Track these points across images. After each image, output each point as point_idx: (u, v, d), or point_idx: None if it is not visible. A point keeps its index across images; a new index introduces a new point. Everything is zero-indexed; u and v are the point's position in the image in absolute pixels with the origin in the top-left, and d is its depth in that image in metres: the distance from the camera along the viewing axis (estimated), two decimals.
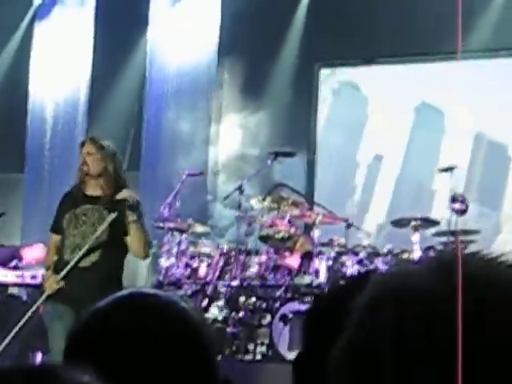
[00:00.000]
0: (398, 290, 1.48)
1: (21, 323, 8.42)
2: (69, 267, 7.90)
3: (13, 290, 11.96)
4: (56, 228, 8.30)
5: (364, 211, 13.04)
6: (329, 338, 1.85)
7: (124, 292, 2.26)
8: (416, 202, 10.93)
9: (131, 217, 7.99)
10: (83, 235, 8.04)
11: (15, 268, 12.03)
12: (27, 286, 11.93)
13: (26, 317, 8.31)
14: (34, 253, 12.12)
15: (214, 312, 10.32)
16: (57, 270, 8.09)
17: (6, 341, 8.84)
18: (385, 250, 10.87)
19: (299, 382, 2.33)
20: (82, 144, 8.38)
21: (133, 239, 8.05)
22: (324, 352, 1.88)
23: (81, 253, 7.92)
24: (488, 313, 1.36)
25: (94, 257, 8.05)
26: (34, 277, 11.80)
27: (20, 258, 12.10)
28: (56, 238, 8.32)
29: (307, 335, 2.42)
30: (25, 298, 11.93)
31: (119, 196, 7.98)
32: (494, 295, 1.38)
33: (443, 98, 12.75)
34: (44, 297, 8.20)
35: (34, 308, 8.62)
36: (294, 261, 10.66)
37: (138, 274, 12.04)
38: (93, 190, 8.13)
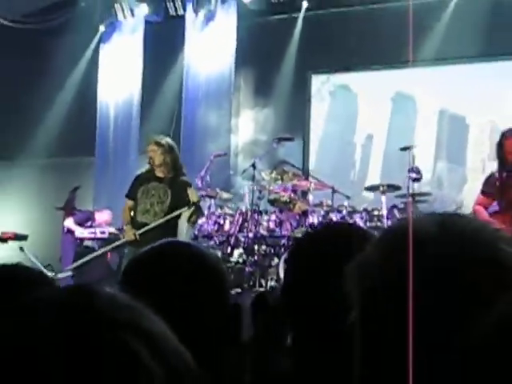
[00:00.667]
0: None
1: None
2: (148, 227, 8.88)
3: (87, 243, 12.03)
4: (131, 196, 9.22)
5: (363, 179, 12.96)
6: (305, 270, 2.19)
7: (166, 241, 2.31)
8: (400, 170, 10.80)
9: (194, 215, 9.15)
10: (151, 203, 9.00)
11: (89, 227, 12.14)
12: (98, 239, 12.01)
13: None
14: (103, 216, 12.24)
15: (236, 256, 10.53)
16: (133, 225, 8.98)
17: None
18: (361, 209, 10.87)
19: (286, 304, 2.27)
20: (148, 143, 9.36)
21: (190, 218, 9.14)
22: (301, 281, 2.20)
23: (162, 220, 8.91)
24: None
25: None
26: (102, 232, 11.94)
27: (93, 220, 12.19)
28: (130, 202, 9.22)
29: (289, 267, 2.41)
30: (96, 247, 12.00)
31: (192, 198, 8.91)
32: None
33: (411, 88, 12.82)
34: (123, 241, 9.54)
35: (112, 246, 10.28)
36: (293, 217, 10.75)
37: (180, 229, 12.15)
38: (159, 173, 8.98)
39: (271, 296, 6.33)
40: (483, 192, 7.96)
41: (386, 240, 1.49)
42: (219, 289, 2.21)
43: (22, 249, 8.74)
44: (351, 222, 10.49)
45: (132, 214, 9.22)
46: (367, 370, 1.44)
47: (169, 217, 8.67)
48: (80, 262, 10.54)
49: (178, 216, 9.11)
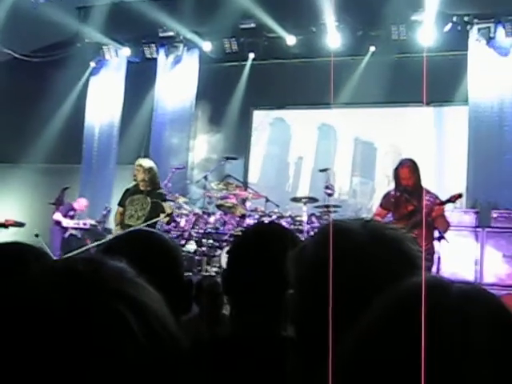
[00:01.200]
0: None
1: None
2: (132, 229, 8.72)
3: (72, 231, 12.09)
4: (121, 204, 9.41)
5: (295, 191, 13.00)
6: (242, 259, 2.27)
7: (136, 229, 2.40)
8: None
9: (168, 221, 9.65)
10: (135, 209, 9.18)
11: (72, 217, 12.21)
12: (80, 229, 12.09)
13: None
14: (80, 203, 12.37)
15: (188, 247, 10.58)
16: (121, 227, 9.14)
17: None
18: (287, 215, 10.87)
19: (225, 288, 2.31)
20: (136, 164, 9.46)
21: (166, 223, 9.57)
22: (239, 267, 2.26)
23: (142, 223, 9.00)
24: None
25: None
26: (84, 223, 12.00)
27: (73, 209, 12.29)
28: (121, 209, 9.40)
29: (230, 257, 2.42)
30: (79, 235, 12.08)
31: (167, 210, 9.17)
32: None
33: (333, 121, 13.04)
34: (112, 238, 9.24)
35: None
36: (234, 219, 10.77)
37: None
38: (141, 187, 9.22)
39: (211, 280, 6.47)
40: (381, 205, 8.00)
41: (319, 237, 1.57)
42: (176, 264, 2.21)
43: (37, 235, 8.71)
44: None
45: (122, 218, 9.39)
46: (299, 335, 1.54)
47: (150, 222, 8.75)
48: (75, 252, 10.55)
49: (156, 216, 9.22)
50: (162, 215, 9.08)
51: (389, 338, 0.93)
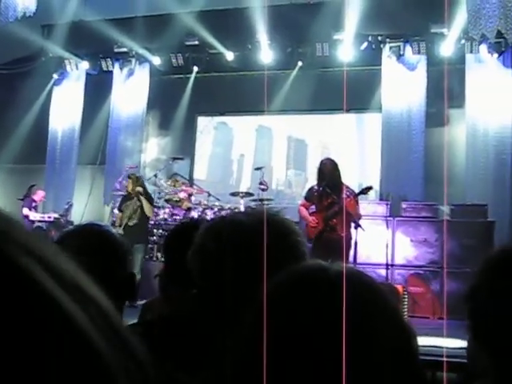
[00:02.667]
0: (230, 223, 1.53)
1: None
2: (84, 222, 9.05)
3: (38, 224, 12.01)
4: (120, 209, 9.77)
5: (238, 186, 13.00)
6: (179, 249, 2.20)
7: (87, 223, 2.24)
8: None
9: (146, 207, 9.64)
10: (129, 211, 9.57)
11: (35, 208, 12.11)
12: (46, 221, 12.02)
13: None
14: (38, 195, 12.22)
15: None
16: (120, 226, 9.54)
17: None
18: (227, 207, 10.97)
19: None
20: (136, 179, 9.84)
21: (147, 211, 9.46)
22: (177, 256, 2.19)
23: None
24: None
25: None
26: (49, 217, 11.93)
27: (34, 201, 12.16)
28: (120, 214, 9.83)
29: (167, 246, 2.49)
30: (45, 227, 12.01)
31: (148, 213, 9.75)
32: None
33: (269, 123, 13.24)
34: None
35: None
36: (181, 211, 10.91)
37: (104, 218, 12.22)
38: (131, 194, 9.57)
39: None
40: (305, 198, 8.02)
41: (211, 231, 1.57)
42: (120, 260, 2.11)
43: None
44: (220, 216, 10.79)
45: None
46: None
47: None
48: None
49: (147, 218, 9.84)
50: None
51: (278, 316, 0.91)
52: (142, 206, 9.59)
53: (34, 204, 12.09)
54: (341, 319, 0.84)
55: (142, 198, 9.63)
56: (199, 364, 1.51)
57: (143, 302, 3.21)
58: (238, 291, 1.40)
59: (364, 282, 0.96)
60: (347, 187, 7.74)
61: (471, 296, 1.35)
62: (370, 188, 7.83)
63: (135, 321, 2.38)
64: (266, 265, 1.22)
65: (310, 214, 7.89)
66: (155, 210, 10.77)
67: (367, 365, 0.87)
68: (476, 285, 1.35)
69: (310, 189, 8.07)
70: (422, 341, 3.67)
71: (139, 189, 9.67)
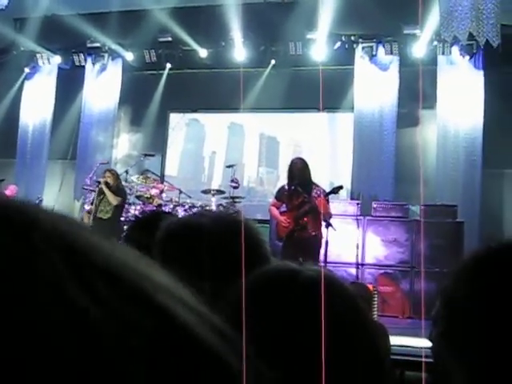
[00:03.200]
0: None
1: None
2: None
3: None
4: (92, 203, 9.83)
5: (210, 182, 12.91)
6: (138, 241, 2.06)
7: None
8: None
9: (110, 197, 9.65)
10: (103, 205, 9.70)
11: None
12: None
13: None
14: (10, 190, 11.95)
15: None
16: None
17: None
18: (198, 204, 10.80)
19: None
20: (105, 171, 9.94)
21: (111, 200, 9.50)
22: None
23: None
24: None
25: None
26: None
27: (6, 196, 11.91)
28: (92, 206, 9.87)
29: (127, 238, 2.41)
30: None
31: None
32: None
33: (241, 120, 13.06)
34: None
35: None
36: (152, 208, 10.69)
37: (74, 214, 12.01)
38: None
39: None
40: (276, 197, 7.96)
41: (166, 233, 1.56)
42: None
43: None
44: (190, 213, 10.67)
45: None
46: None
47: None
48: None
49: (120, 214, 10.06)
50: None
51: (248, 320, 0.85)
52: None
53: None
54: (312, 323, 0.84)
55: (104, 187, 9.62)
56: None
57: None
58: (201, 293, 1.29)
59: (335, 285, 0.95)
60: (318, 186, 7.69)
61: (446, 299, 1.28)
62: (340, 187, 7.76)
63: None
64: (225, 270, 1.22)
65: (281, 214, 7.83)
66: (126, 206, 10.59)
67: (339, 366, 0.86)
68: (452, 287, 1.29)
69: (281, 188, 8.02)
70: (392, 340, 3.61)
71: (101, 179, 9.73)
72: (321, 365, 0.81)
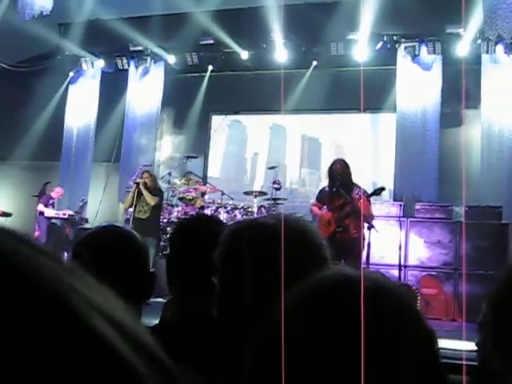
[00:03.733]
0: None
1: None
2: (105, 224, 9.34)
3: (54, 221, 12.03)
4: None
5: (252, 184, 13.01)
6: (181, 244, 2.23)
7: (107, 224, 2.19)
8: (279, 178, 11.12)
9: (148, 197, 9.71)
10: (141, 205, 9.80)
11: (53, 205, 12.11)
12: (61, 218, 12.02)
13: None
14: (57, 192, 12.23)
15: None
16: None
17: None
18: (240, 206, 10.91)
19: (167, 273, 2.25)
20: (143, 172, 10.09)
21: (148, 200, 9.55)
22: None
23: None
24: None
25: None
26: (64, 214, 11.93)
27: (52, 197, 12.15)
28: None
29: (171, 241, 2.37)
30: (59, 224, 12.01)
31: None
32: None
33: (283, 121, 13.11)
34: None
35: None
36: (194, 210, 10.70)
37: (118, 216, 12.20)
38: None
39: None
40: (317, 199, 7.97)
41: (238, 231, 1.57)
42: (142, 261, 2.12)
43: None
44: (232, 215, 10.75)
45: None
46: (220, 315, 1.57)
47: None
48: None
49: (159, 213, 10.17)
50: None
51: (300, 327, 0.87)
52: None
53: (51, 201, 12.09)
54: (363, 333, 0.81)
55: (142, 188, 9.73)
56: (216, 370, 1.48)
57: (156, 299, 3.16)
58: (257, 297, 1.37)
59: (390, 289, 0.93)
60: (359, 188, 7.66)
61: (494, 302, 1.29)
62: (382, 189, 7.71)
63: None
64: (287, 270, 1.20)
65: (324, 214, 7.84)
66: (169, 208, 10.72)
67: (393, 371, 0.84)
68: (500, 290, 1.30)
69: (322, 190, 8.02)
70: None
71: (139, 180, 9.86)
72: (375, 372, 0.81)
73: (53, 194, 12.19)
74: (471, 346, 1.53)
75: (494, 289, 1.33)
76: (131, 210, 10.34)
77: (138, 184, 9.83)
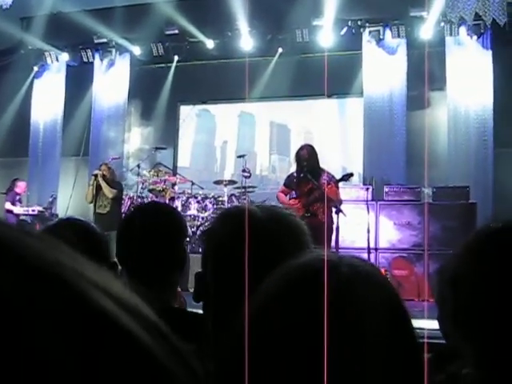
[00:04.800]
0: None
1: None
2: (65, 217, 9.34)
3: (22, 218, 11.96)
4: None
5: (222, 173, 13.08)
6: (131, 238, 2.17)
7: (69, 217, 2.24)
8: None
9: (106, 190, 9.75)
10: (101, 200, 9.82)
11: (20, 201, 12.02)
12: (30, 215, 11.97)
13: None
14: (20, 187, 12.07)
15: None
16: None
17: None
18: (211, 195, 10.99)
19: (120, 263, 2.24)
20: (101, 165, 10.05)
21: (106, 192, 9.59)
22: None
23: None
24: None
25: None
26: (33, 210, 11.86)
27: (17, 193, 12.03)
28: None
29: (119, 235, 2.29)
30: (29, 221, 11.96)
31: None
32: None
33: (251, 109, 13.18)
34: None
35: None
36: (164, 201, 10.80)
37: (89, 210, 12.18)
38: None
39: None
40: (285, 185, 7.98)
41: (225, 217, 1.58)
42: (103, 252, 2.15)
43: None
44: (203, 205, 10.82)
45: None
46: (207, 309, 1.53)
47: None
48: None
49: (119, 206, 10.20)
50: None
51: (281, 311, 0.87)
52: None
53: (17, 197, 11.99)
54: (350, 313, 0.84)
55: (100, 180, 9.76)
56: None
57: None
58: (227, 280, 1.40)
59: (373, 274, 0.93)
60: (328, 173, 7.70)
61: (453, 280, 1.30)
62: (351, 175, 7.78)
63: None
64: (273, 252, 1.27)
65: (291, 199, 7.88)
66: (139, 200, 10.73)
67: (379, 357, 0.84)
68: (457, 269, 1.31)
69: (290, 175, 8.04)
70: None
71: (97, 172, 9.90)
72: (360, 355, 0.82)
73: (17, 190, 12.07)
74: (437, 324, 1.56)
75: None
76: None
77: (95, 176, 9.81)
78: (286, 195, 7.95)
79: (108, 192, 9.69)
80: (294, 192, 7.93)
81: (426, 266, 9.38)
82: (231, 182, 11.03)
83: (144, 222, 2.17)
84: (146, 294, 1.52)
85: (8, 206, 11.80)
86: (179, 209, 10.15)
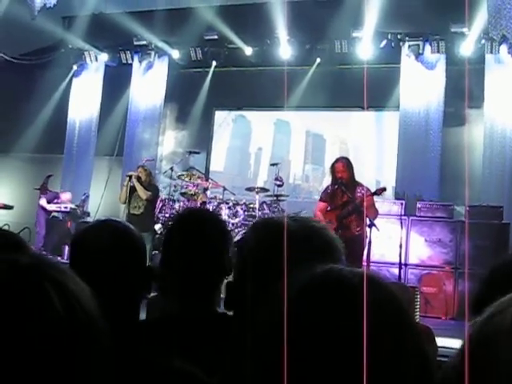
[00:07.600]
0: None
1: None
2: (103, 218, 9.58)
3: (54, 214, 12.11)
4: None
5: (255, 179, 13.12)
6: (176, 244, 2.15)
7: (105, 219, 2.15)
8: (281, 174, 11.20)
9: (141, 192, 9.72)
10: (136, 201, 9.80)
11: (55, 203, 12.17)
12: (62, 211, 12.10)
13: None
14: (66, 196, 12.26)
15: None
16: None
17: None
18: (242, 202, 10.98)
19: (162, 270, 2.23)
20: (138, 167, 10.07)
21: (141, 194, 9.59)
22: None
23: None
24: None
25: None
26: (65, 207, 11.99)
27: (59, 198, 12.22)
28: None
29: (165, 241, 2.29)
30: (61, 217, 12.08)
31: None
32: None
33: (287, 117, 13.21)
34: None
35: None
36: (196, 205, 10.73)
37: (120, 210, 12.27)
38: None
39: None
40: (321, 199, 7.88)
41: (258, 229, 1.59)
42: (139, 256, 2.10)
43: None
44: (234, 211, 10.83)
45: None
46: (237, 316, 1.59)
47: None
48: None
49: (153, 208, 10.17)
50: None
51: (301, 314, 0.89)
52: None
53: (56, 200, 12.14)
54: (356, 327, 0.84)
55: (135, 181, 9.77)
56: (217, 363, 1.50)
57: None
58: (259, 290, 1.39)
59: (380, 288, 0.94)
60: (362, 186, 7.67)
61: (475, 307, 1.30)
62: (383, 189, 7.72)
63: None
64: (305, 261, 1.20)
65: (325, 213, 7.75)
66: (170, 203, 10.80)
67: (384, 371, 0.86)
68: (480, 295, 1.32)
69: (325, 189, 7.96)
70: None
71: (132, 173, 9.91)
72: (364, 369, 0.82)
73: (62, 196, 12.23)
74: None
75: (475, 294, 1.36)
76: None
77: (130, 177, 9.84)
78: (324, 212, 7.76)
79: (143, 194, 9.72)
80: (328, 205, 7.82)
81: (456, 285, 9.32)
82: (263, 190, 11.01)
83: (195, 229, 2.16)
84: (195, 303, 1.84)
85: (42, 202, 11.95)
86: None
